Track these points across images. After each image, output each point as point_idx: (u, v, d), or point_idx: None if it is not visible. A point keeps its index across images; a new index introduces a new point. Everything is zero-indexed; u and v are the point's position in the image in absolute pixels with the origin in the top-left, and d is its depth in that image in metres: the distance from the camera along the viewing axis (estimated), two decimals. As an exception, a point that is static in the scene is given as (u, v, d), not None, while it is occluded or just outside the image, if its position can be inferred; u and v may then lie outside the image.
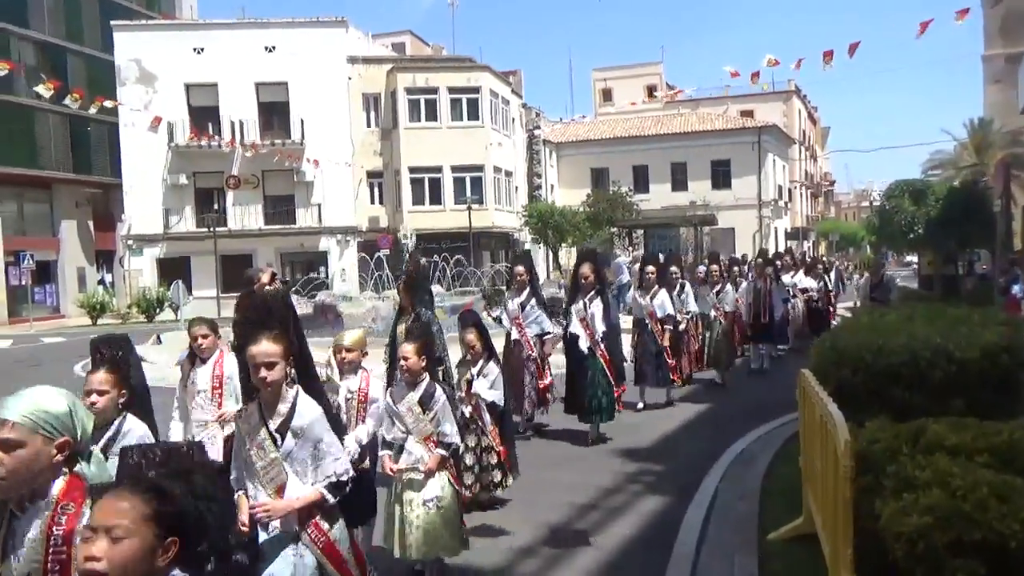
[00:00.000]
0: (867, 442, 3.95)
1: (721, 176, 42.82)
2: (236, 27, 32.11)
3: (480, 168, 32.85)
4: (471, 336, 5.64)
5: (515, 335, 7.95)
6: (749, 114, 48.65)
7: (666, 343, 9.21)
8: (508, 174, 35.51)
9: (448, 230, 30.80)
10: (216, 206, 32.09)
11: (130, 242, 31.76)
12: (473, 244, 29.93)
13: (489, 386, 5.59)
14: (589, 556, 5.03)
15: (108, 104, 20.47)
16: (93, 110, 20.60)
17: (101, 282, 33.88)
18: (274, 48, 31.52)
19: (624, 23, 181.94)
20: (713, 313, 10.85)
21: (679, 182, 42.90)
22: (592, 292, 7.83)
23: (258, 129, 31.57)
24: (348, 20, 32.88)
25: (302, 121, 31.50)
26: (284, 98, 31.89)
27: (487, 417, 5.61)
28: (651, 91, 51.86)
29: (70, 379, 13.87)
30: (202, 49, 31.28)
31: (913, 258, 30.61)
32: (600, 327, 7.70)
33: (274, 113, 32.13)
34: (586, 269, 7.90)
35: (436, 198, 32.67)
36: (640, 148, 43.35)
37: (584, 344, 7.71)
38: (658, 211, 38.13)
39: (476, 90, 32.85)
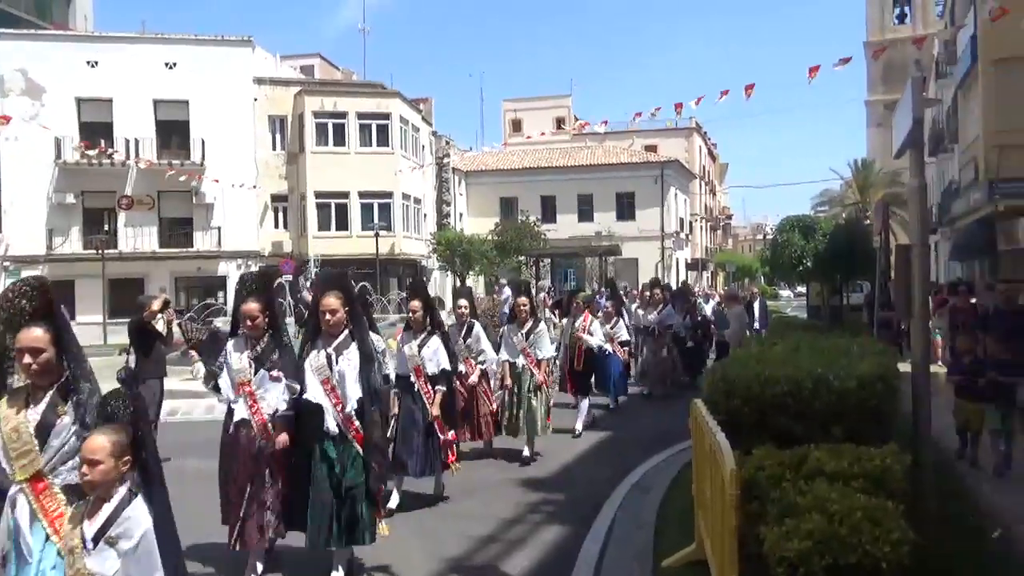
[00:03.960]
0: (754, 469, 4.08)
1: (626, 208, 44.11)
2: (134, 41, 30.84)
3: (388, 195, 32.60)
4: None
5: (242, 414, 5.02)
6: (653, 149, 50.42)
7: (436, 411, 6.56)
8: (417, 201, 35.38)
9: (354, 256, 30.33)
10: (106, 227, 30.48)
11: (7, 263, 29.68)
12: (380, 271, 29.57)
13: None
14: (487, 590, 4.95)
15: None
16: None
17: (-26, 305, 31.45)
18: (175, 65, 30.44)
19: (535, 56, 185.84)
20: (522, 361, 8.28)
21: (585, 213, 43.91)
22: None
23: (155, 148, 30.27)
24: (255, 40, 32.19)
25: (203, 141, 30.44)
26: (184, 117, 30.76)
27: None
28: (560, 123, 53.01)
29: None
30: (96, 63, 29.86)
31: (803, 289, 32.24)
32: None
33: (173, 132, 30.91)
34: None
35: (343, 224, 32.17)
36: (548, 179, 44.19)
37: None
38: (565, 241, 38.85)
39: (386, 116, 32.70)
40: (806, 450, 4.15)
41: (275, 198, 32.51)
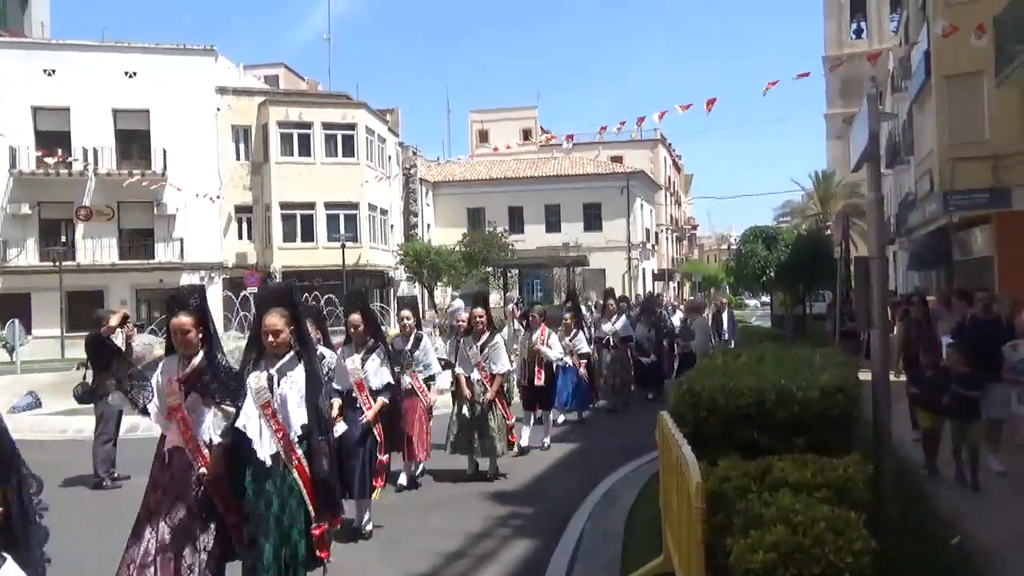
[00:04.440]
0: (719, 480, 4.10)
1: (592, 218, 44.46)
2: (93, 49, 30.32)
3: (355, 205, 32.44)
4: None
5: (174, 441, 4.52)
6: (619, 160, 50.88)
7: (370, 416, 6.21)
8: (384, 212, 35.23)
9: (320, 268, 30.11)
10: (64, 238, 29.83)
11: (-39, 276, 28.86)
12: (346, 282, 29.35)
13: None
14: (454, 606, 4.90)
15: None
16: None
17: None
18: (135, 74, 29.98)
19: (501, 67, 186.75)
20: (476, 375, 7.95)
21: (552, 223, 44.17)
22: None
23: (114, 158, 29.77)
24: (218, 49, 31.84)
25: (164, 151, 29.99)
26: (145, 126, 30.29)
27: None
28: (527, 134, 53.28)
29: None
30: (53, 71, 29.29)
31: (767, 299, 32.76)
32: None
33: (133, 142, 30.42)
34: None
35: (308, 235, 31.91)
36: (515, 189, 44.37)
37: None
38: (532, 251, 38.98)
39: (352, 126, 32.55)
40: (770, 461, 4.19)
41: (239, 209, 32.13)
